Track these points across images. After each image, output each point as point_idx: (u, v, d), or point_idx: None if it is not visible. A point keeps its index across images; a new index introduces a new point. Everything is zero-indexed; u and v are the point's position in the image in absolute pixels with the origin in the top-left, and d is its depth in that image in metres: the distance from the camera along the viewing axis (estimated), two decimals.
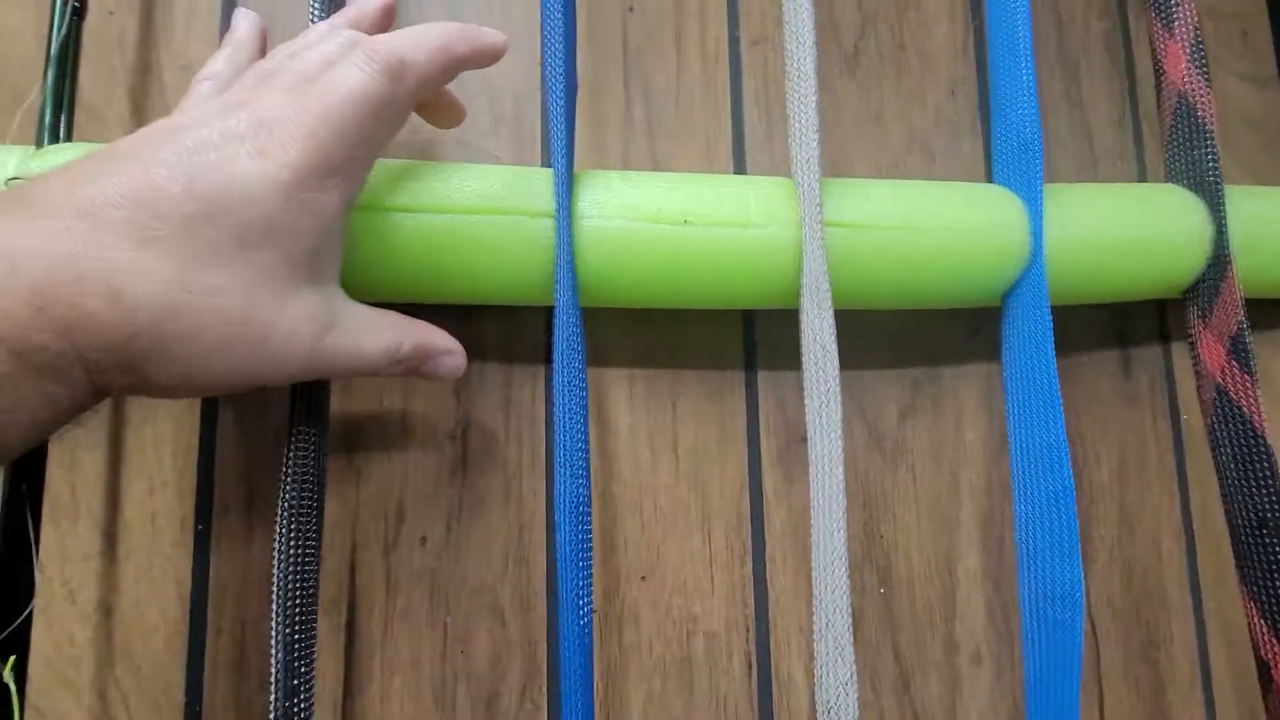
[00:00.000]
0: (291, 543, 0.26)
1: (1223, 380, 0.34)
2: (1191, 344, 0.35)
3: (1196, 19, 0.35)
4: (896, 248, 0.32)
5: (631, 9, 0.38)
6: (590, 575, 0.28)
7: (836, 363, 0.29)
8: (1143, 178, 0.41)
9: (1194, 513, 0.39)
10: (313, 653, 0.27)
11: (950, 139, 0.40)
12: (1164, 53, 0.36)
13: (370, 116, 0.25)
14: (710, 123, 0.38)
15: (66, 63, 0.31)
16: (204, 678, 0.31)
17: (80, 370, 0.21)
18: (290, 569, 0.26)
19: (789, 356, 0.35)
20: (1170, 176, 0.37)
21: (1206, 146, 0.34)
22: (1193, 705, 0.37)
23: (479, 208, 0.29)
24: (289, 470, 0.27)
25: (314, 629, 0.27)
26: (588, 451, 0.29)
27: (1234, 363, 0.34)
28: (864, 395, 0.37)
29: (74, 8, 0.31)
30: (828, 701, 0.26)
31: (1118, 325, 0.40)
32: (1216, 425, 0.34)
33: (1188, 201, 0.35)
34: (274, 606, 0.26)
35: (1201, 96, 0.35)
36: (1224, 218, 0.34)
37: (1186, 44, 0.35)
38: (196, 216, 0.22)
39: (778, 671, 0.34)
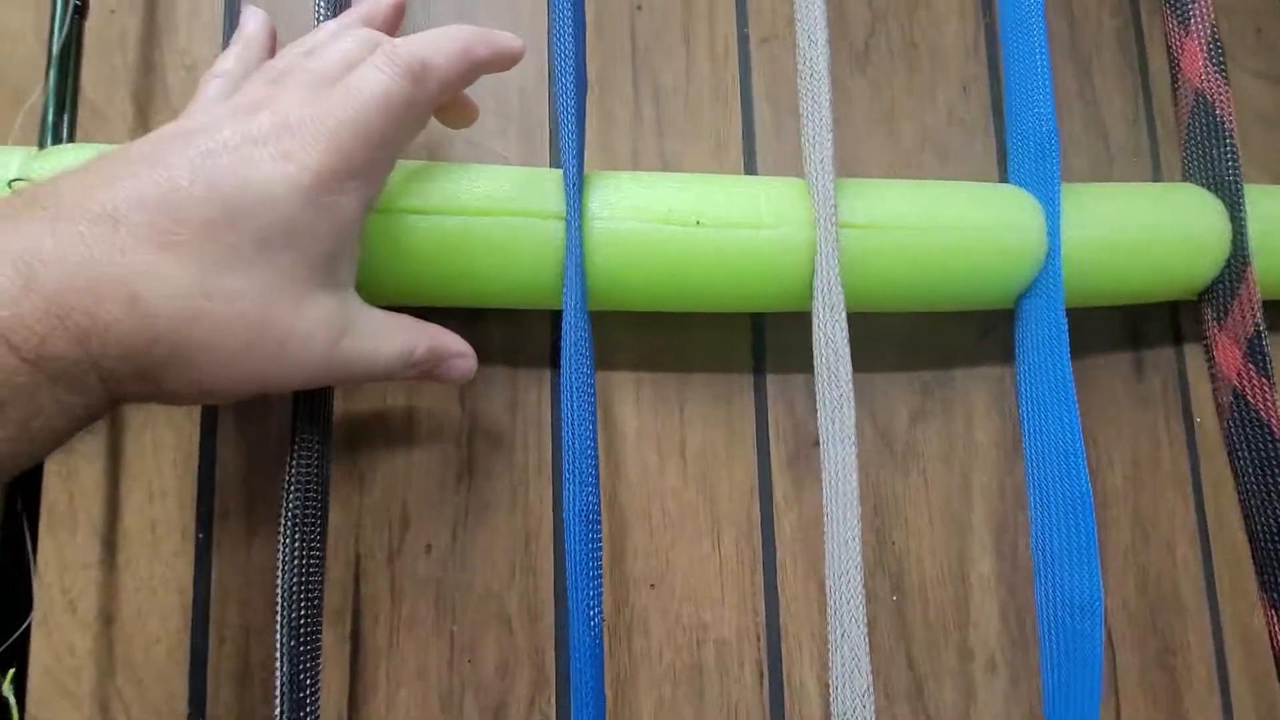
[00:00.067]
0: (295, 552, 0.26)
1: (1239, 384, 0.33)
2: (1206, 347, 0.35)
3: (1213, 16, 0.35)
4: (911, 249, 0.31)
5: (640, 7, 0.37)
6: (600, 585, 0.27)
7: (849, 367, 0.29)
8: (1157, 175, 0.41)
9: (1209, 516, 0.38)
10: (318, 663, 0.26)
11: (963, 137, 0.39)
12: (1180, 50, 0.36)
13: (392, 120, 0.25)
14: (720, 121, 0.37)
15: (68, 62, 0.30)
16: (207, 688, 0.30)
17: (95, 379, 0.21)
18: (294, 578, 0.26)
19: (798, 359, 0.35)
20: (1187, 175, 0.36)
21: (1225, 145, 0.34)
22: (1210, 712, 0.36)
23: (489, 209, 0.28)
24: (292, 477, 0.26)
25: (319, 639, 0.27)
26: (596, 459, 0.28)
27: (1251, 366, 0.33)
28: (874, 398, 0.36)
29: (75, 7, 0.30)
30: (844, 714, 0.26)
31: (1130, 326, 0.39)
32: (1233, 430, 0.34)
33: (1205, 201, 0.34)
34: (278, 617, 0.25)
35: (1220, 94, 0.34)
36: (1243, 217, 0.34)
37: (1203, 41, 0.35)
38: (217, 220, 0.22)
39: (789, 679, 0.33)
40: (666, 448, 0.34)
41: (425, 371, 0.28)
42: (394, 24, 0.30)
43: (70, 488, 0.31)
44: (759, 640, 0.33)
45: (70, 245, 0.21)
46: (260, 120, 0.23)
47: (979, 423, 0.37)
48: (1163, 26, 0.37)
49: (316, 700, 0.26)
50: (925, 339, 0.37)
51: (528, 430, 0.34)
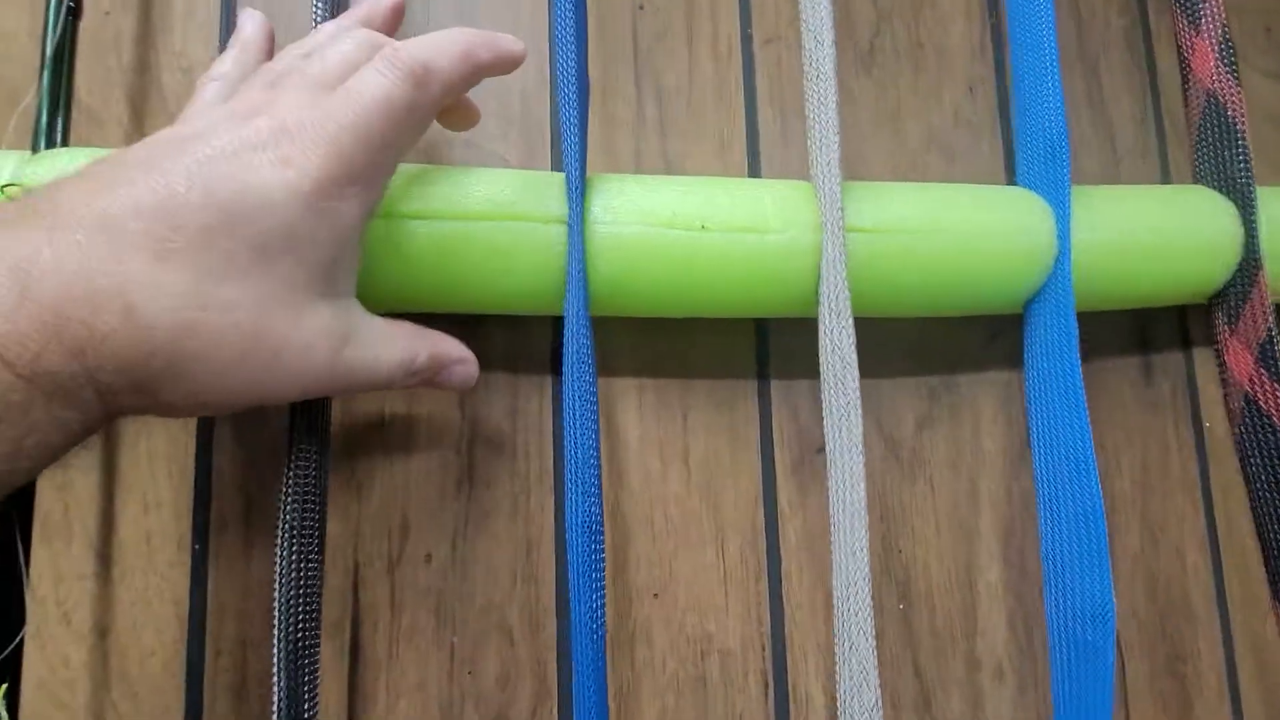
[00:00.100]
0: (292, 563, 0.25)
1: (1251, 389, 0.33)
2: (1217, 351, 0.35)
3: (1224, 16, 0.34)
4: (919, 253, 0.30)
5: (642, 7, 0.37)
6: (603, 595, 0.27)
7: (856, 373, 0.28)
8: (1165, 176, 0.40)
9: (1219, 522, 0.38)
10: (316, 676, 0.26)
11: (969, 138, 0.39)
12: (1190, 50, 0.35)
13: (394, 124, 0.24)
14: (723, 122, 0.37)
15: (62, 64, 0.30)
16: (204, 701, 0.30)
17: (92, 392, 0.21)
18: (291, 590, 0.25)
19: (802, 364, 0.34)
20: (1198, 177, 0.36)
21: (1237, 147, 0.33)
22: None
23: (490, 214, 0.28)
24: (289, 487, 0.26)
25: (317, 651, 0.26)
26: (599, 466, 0.28)
27: (1263, 371, 0.33)
28: (880, 404, 0.36)
29: (69, 8, 0.30)
30: None
31: (1139, 330, 0.39)
32: (1245, 435, 0.33)
33: (1217, 203, 0.34)
34: (275, 629, 0.25)
35: (1232, 95, 0.34)
36: (1255, 220, 0.33)
37: (1215, 41, 0.34)
38: (214, 227, 0.22)
39: (795, 690, 0.33)
40: (669, 455, 0.34)
41: (426, 379, 0.27)
42: (393, 26, 0.30)
43: (64, 498, 0.30)
44: (764, 650, 0.33)
45: (67, 254, 0.20)
46: (258, 125, 0.23)
47: (986, 429, 0.37)
48: (1173, 26, 0.37)
49: (315, 713, 0.25)
50: (931, 344, 0.37)
51: (529, 438, 0.33)
